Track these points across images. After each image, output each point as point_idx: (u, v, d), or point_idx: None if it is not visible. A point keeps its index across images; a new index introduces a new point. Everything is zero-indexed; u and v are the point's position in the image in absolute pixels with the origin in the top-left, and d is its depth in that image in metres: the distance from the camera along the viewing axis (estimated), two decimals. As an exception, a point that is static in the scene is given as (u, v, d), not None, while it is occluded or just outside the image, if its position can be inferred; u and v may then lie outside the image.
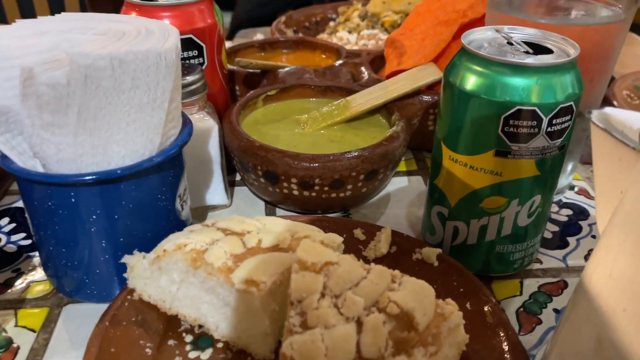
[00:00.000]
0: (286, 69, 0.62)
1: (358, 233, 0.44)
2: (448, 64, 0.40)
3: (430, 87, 0.57)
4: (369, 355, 0.29)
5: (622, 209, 0.27)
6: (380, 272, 0.32)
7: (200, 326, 0.37)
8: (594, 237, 0.49)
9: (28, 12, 1.64)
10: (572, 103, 0.37)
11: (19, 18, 0.42)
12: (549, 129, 0.37)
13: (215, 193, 0.52)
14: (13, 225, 0.51)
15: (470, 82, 0.37)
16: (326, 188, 0.48)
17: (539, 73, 0.36)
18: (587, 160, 0.60)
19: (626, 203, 0.27)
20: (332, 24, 0.94)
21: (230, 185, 0.56)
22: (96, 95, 0.34)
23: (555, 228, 0.50)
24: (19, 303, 0.42)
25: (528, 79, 0.36)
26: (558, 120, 0.37)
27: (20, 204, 0.54)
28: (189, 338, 0.37)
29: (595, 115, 0.30)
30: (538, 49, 0.38)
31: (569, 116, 0.37)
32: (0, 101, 0.35)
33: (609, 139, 0.29)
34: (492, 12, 0.50)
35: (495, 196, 0.39)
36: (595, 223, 0.51)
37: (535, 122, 0.36)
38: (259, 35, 1.01)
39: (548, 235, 0.49)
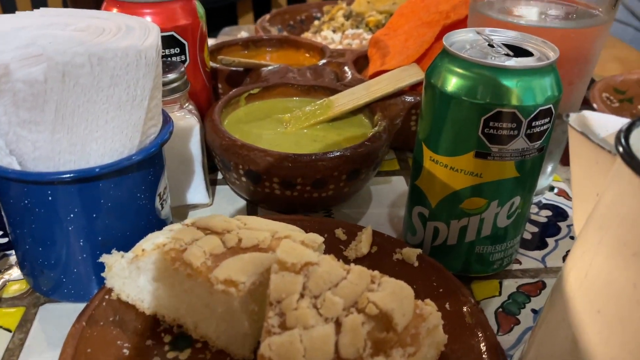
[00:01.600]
0: (269, 67, 0.62)
1: (339, 233, 0.45)
2: (429, 65, 0.40)
3: (413, 88, 0.57)
4: (348, 356, 0.29)
5: (598, 211, 0.27)
6: (360, 272, 0.32)
7: (179, 326, 0.37)
8: (572, 238, 0.50)
9: (9, 7, 1.62)
10: (551, 106, 0.37)
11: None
12: (528, 131, 0.37)
13: (196, 192, 0.51)
14: (-11, 223, 0.50)
15: (451, 83, 0.38)
16: (308, 188, 0.48)
17: (519, 76, 0.36)
18: (567, 162, 0.61)
19: (602, 205, 0.27)
20: (316, 22, 0.94)
21: (211, 184, 0.56)
22: (74, 93, 0.33)
23: (535, 229, 0.51)
24: (-6, 302, 0.42)
25: (508, 82, 0.36)
26: (537, 123, 0.37)
27: (-3, 201, 0.53)
28: (167, 338, 0.37)
29: (572, 118, 0.30)
30: (518, 51, 0.38)
31: (548, 118, 0.37)
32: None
33: (586, 142, 0.29)
34: (475, 14, 0.50)
35: (475, 197, 0.40)
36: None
37: (515, 124, 0.37)
38: (242, 33, 1.00)
39: (527, 236, 0.50)
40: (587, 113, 0.30)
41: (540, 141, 0.38)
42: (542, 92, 0.36)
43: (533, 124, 0.37)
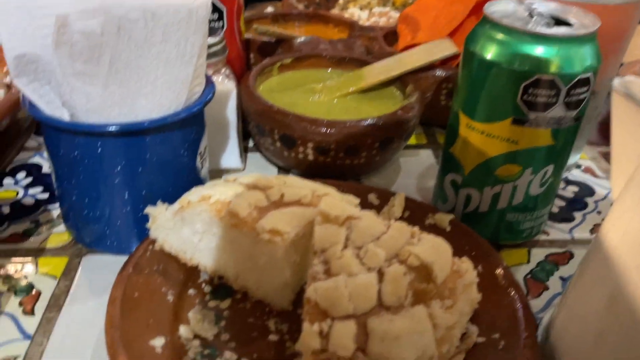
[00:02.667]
0: (302, 38, 0.62)
1: (372, 198, 0.45)
2: (469, 33, 0.40)
3: (445, 62, 0.58)
4: (390, 303, 0.30)
5: (639, 173, 0.28)
6: (400, 227, 0.33)
7: (219, 277, 0.38)
8: (599, 212, 0.50)
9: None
10: (590, 75, 0.38)
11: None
12: (567, 99, 0.38)
13: (231, 156, 0.53)
14: (30, 179, 0.52)
15: (492, 50, 0.38)
16: (341, 154, 0.49)
17: (560, 43, 0.37)
18: (593, 141, 0.61)
19: (644, 165, 0.28)
20: (342, 0, 0.94)
21: (244, 151, 0.57)
22: (128, 47, 0.35)
23: (562, 203, 0.52)
24: (38, 252, 0.43)
25: (549, 49, 0.37)
26: (576, 91, 0.37)
27: (35, 159, 0.55)
28: (208, 288, 0.38)
29: (617, 82, 0.31)
30: (559, 21, 0.39)
31: (587, 88, 0.38)
32: (31, 49, 0.36)
33: (630, 105, 0.30)
34: (511, -12, 0.50)
35: (509, 164, 0.41)
36: (601, 200, 0.52)
37: (554, 92, 0.37)
38: (269, 8, 1.01)
39: (555, 209, 0.51)
40: (631, 78, 0.31)
41: (578, 110, 0.39)
42: (581, 60, 0.37)
43: (572, 92, 0.37)
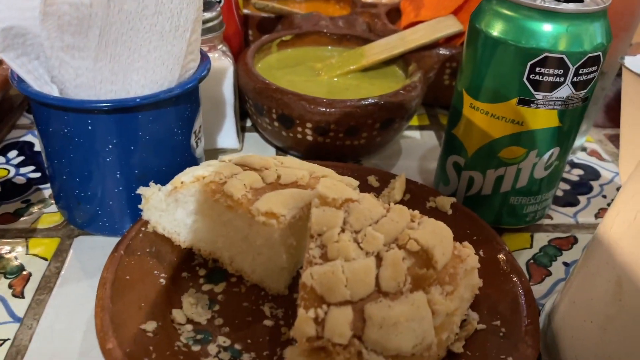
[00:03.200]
0: (302, 14, 0.61)
1: (372, 180, 0.44)
2: (475, 8, 0.39)
3: (449, 40, 0.56)
4: (388, 289, 0.29)
5: (651, 154, 0.27)
6: (400, 210, 0.32)
7: (214, 260, 0.37)
8: (604, 196, 0.49)
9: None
10: (600, 53, 0.36)
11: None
12: (574, 79, 0.36)
13: (227, 136, 0.51)
14: (21, 158, 0.50)
15: (498, 27, 0.37)
16: (341, 135, 0.47)
17: (570, 20, 0.35)
18: (599, 124, 0.60)
19: (656, 148, 0.27)
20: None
21: (241, 130, 0.56)
22: (118, 19, 0.33)
23: (567, 187, 0.50)
24: (29, 232, 0.42)
25: (558, 26, 0.35)
26: (585, 71, 0.36)
27: (27, 137, 0.53)
28: (202, 272, 0.37)
29: (628, 60, 0.30)
30: (568, -2, 0.37)
31: (596, 67, 0.37)
32: (18, 22, 0.34)
33: (642, 84, 0.29)
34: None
35: (514, 146, 0.39)
36: (606, 183, 0.51)
37: (562, 71, 0.36)
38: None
39: (559, 193, 0.49)
40: (643, 55, 0.30)
41: (586, 90, 0.37)
42: (591, 39, 0.36)
43: (580, 71, 0.36)
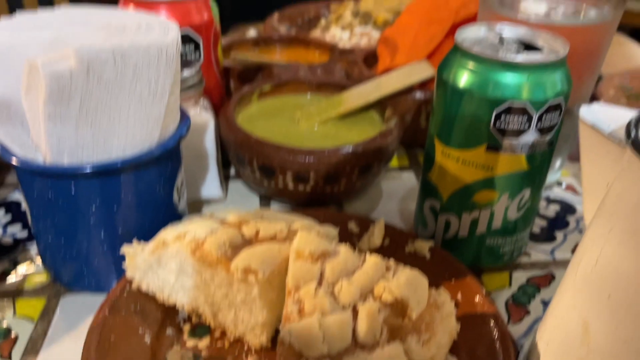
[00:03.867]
0: (281, 65, 0.63)
1: (352, 226, 0.45)
2: (442, 60, 0.41)
3: (423, 84, 0.58)
4: (365, 342, 0.30)
5: (608, 201, 0.28)
6: (375, 261, 0.33)
7: (197, 315, 0.38)
8: (580, 231, 0.50)
9: (17, 4, 1.63)
10: (561, 100, 0.38)
11: (6, 12, 0.42)
12: (539, 125, 0.38)
13: (211, 187, 0.52)
14: (9, 217, 0.51)
15: (463, 79, 0.38)
16: (321, 182, 0.49)
17: (530, 71, 0.37)
18: (575, 158, 0.62)
19: (612, 195, 0.28)
20: (324, 21, 0.95)
21: (225, 179, 0.57)
22: (98, 88, 0.35)
23: (544, 223, 0.52)
24: (16, 294, 0.43)
25: (519, 76, 0.37)
26: (548, 116, 0.38)
27: (16, 196, 0.54)
28: (186, 327, 0.38)
29: (583, 111, 0.31)
30: (529, 46, 0.39)
31: (558, 112, 0.38)
32: (2, 92, 0.36)
33: (596, 134, 0.30)
34: (485, 11, 0.51)
35: (486, 190, 0.41)
36: (582, 218, 0.52)
37: (526, 118, 0.37)
38: (252, 31, 1.01)
39: (536, 229, 0.51)
40: (596, 106, 0.31)
41: (551, 135, 0.39)
42: (552, 86, 0.37)
43: (544, 117, 0.38)
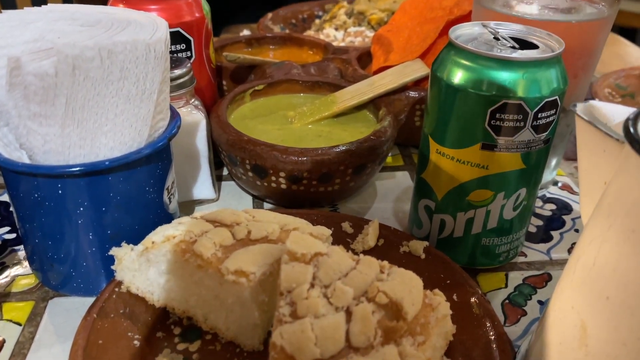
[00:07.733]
0: (274, 64, 0.62)
1: (346, 226, 0.45)
2: (436, 58, 0.40)
3: (417, 83, 0.58)
4: (358, 344, 0.29)
5: (606, 199, 0.28)
6: (369, 262, 0.32)
7: (188, 318, 0.37)
8: (577, 230, 0.50)
9: (8, 4, 1.61)
10: (557, 97, 0.37)
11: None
12: (534, 123, 0.37)
13: (203, 187, 0.52)
14: (-3, 219, 0.50)
15: (458, 76, 0.38)
16: (314, 182, 0.48)
17: (525, 67, 0.36)
18: (570, 157, 0.61)
19: (610, 193, 0.27)
20: (317, 21, 0.95)
21: (217, 179, 0.56)
22: (84, 86, 0.34)
23: (540, 222, 0.51)
24: (3, 297, 0.42)
25: (514, 74, 0.36)
26: (543, 114, 0.37)
27: (3, 197, 0.53)
28: (177, 330, 0.37)
29: (580, 108, 0.31)
30: (524, 44, 0.39)
31: (554, 110, 0.38)
32: (-14, 91, 0.35)
33: (594, 131, 0.30)
34: (479, 9, 0.50)
35: (481, 189, 0.40)
36: (578, 217, 0.52)
37: (521, 116, 0.37)
38: (245, 31, 1.00)
39: (532, 229, 0.50)
40: (594, 102, 0.31)
41: (546, 133, 0.38)
42: (548, 83, 0.37)
43: (539, 115, 0.37)
